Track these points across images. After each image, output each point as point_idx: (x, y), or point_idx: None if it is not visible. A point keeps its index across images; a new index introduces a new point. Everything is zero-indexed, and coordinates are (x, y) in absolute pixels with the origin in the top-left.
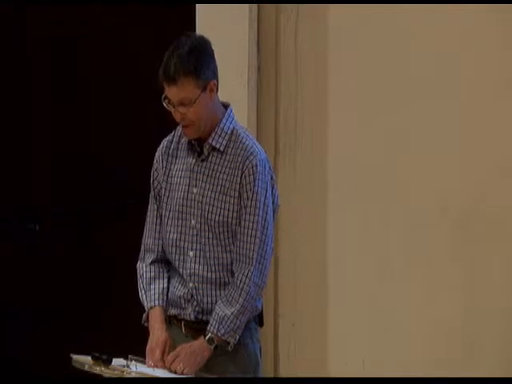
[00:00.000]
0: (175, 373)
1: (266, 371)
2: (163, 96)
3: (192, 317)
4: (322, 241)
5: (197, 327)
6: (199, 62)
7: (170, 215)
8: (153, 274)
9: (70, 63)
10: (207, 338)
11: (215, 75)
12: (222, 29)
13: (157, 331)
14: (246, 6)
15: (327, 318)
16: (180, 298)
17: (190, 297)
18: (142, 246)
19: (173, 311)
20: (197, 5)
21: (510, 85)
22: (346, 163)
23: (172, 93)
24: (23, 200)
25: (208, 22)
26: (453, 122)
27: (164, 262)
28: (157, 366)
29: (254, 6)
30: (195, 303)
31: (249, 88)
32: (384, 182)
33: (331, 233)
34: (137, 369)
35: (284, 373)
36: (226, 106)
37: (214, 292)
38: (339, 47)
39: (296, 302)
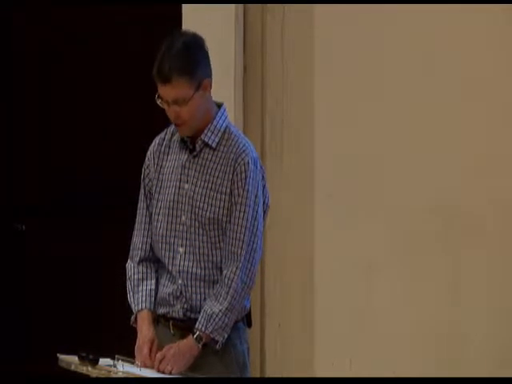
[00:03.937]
0: (163, 373)
1: (253, 371)
2: (157, 95)
3: (180, 314)
4: (309, 240)
5: (184, 326)
6: (193, 60)
7: (161, 211)
8: (140, 275)
9: (58, 63)
10: (195, 336)
11: (209, 73)
12: (208, 29)
13: (144, 331)
14: (232, 5)
15: (314, 318)
16: (169, 295)
17: (178, 294)
18: (132, 245)
19: (161, 310)
20: (183, 4)
21: (497, 85)
22: (333, 162)
23: (166, 92)
24: (10, 200)
25: (194, 21)
26: (440, 121)
27: (152, 261)
28: (144, 364)
29: (240, 5)
30: (184, 300)
31: (235, 87)
32: (370, 181)
33: (318, 232)
34: (124, 369)
35: (270, 373)
36: (219, 105)
37: (202, 289)
38: (325, 47)
39: (282, 302)
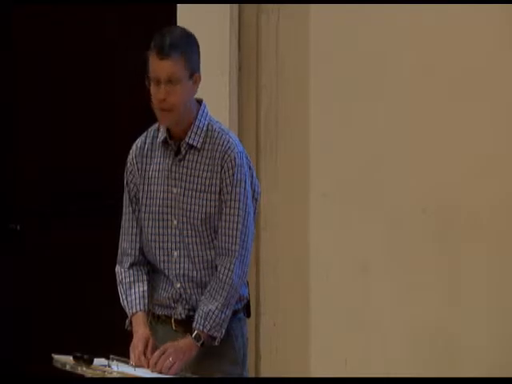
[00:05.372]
0: (160, 370)
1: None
2: (148, 75)
3: (183, 315)
4: (304, 240)
5: (187, 322)
6: (190, 48)
7: (151, 217)
8: (132, 278)
9: (55, 63)
10: (194, 335)
11: (199, 69)
12: (204, 28)
13: (140, 331)
14: (227, 5)
15: (309, 317)
16: (168, 298)
17: (178, 297)
18: (119, 250)
19: (162, 312)
20: (178, 4)
21: (497, 85)
22: (327, 162)
23: (163, 67)
24: (5, 200)
25: (189, 21)
26: (433, 122)
27: (142, 265)
28: (139, 361)
29: (235, 5)
30: (184, 302)
31: (230, 87)
32: (365, 181)
33: (313, 232)
34: (118, 369)
35: (265, 372)
36: (199, 101)
37: (200, 290)
38: (320, 47)
39: (278, 301)
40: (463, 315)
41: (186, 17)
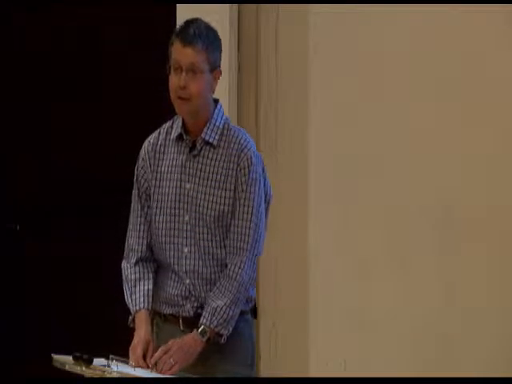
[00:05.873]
0: (161, 369)
1: None
2: (170, 62)
3: (191, 313)
4: (303, 240)
5: (195, 321)
6: (213, 42)
7: (162, 212)
8: (137, 275)
9: (55, 63)
10: (200, 330)
11: (220, 66)
12: None
13: (141, 331)
14: (227, 5)
15: (308, 317)
16: (177, 296)
17: (187, 293)
18: (127, 246)
19: (169, 310)
20: (177, 4)
21: (497, 85)
22: (327, 161)
23: (186, 54)
24: (3, 199)
25: None
26: (433, 122)
27: (149, 262)
28: (138, 364)
29: (235, 5)
30: (193, 299)
31: (229, 87)
32: (365, 181)
33: (312, 232)
34: (118, 369)
35: (265, 372)
36: (215, 101)
37: (210, 287)
38: (319, 47)
39: (276, 301)
40: (463, 315)
41: (186, 17)
